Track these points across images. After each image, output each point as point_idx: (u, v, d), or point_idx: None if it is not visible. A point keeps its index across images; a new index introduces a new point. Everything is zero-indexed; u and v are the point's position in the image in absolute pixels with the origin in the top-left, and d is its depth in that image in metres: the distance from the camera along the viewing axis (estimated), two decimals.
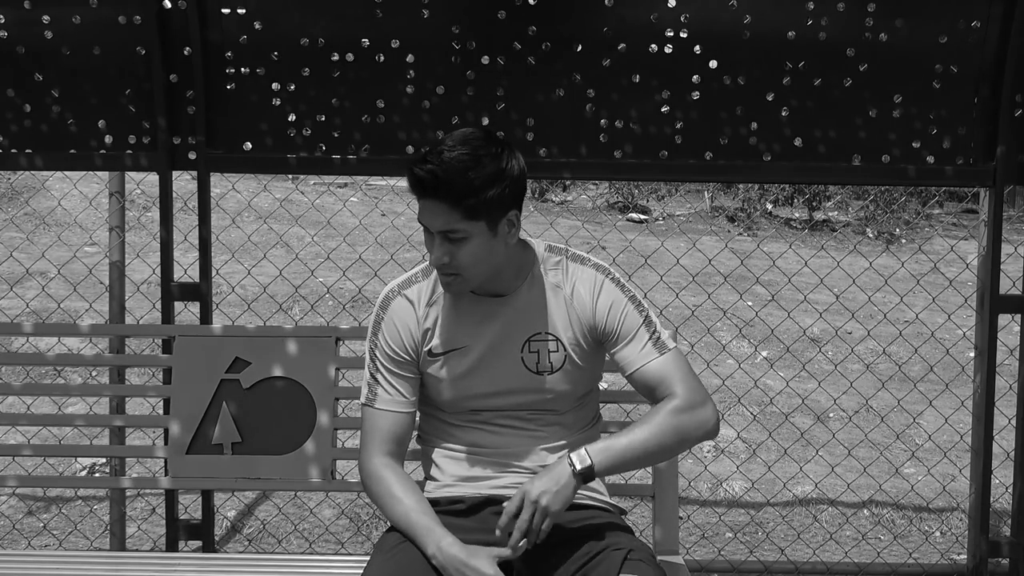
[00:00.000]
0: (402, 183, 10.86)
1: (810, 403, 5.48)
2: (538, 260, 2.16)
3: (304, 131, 3.23)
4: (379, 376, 2.18)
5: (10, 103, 3.22)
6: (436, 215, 1.99)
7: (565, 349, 2.14)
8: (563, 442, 2.20)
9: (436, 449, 2.23)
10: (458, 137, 2.01)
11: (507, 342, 2.14)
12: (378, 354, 2.18)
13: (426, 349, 2.16)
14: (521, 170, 2.05)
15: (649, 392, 2.13)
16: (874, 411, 5.68)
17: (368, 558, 2.14)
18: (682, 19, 3.16)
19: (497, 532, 2.02)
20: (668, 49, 3.18)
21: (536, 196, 11.26)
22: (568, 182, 11.60)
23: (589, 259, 2.19)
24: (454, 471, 2.20)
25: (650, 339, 2.13)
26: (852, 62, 3.19)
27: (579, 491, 2.19)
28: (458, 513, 2.16)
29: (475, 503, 2.16)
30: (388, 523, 2.19)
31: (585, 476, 2.02)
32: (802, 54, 3.19)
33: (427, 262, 2.18)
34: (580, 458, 2.02)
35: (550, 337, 2.14)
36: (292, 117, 3.23)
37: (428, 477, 2.26)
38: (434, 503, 2.19)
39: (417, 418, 2.28)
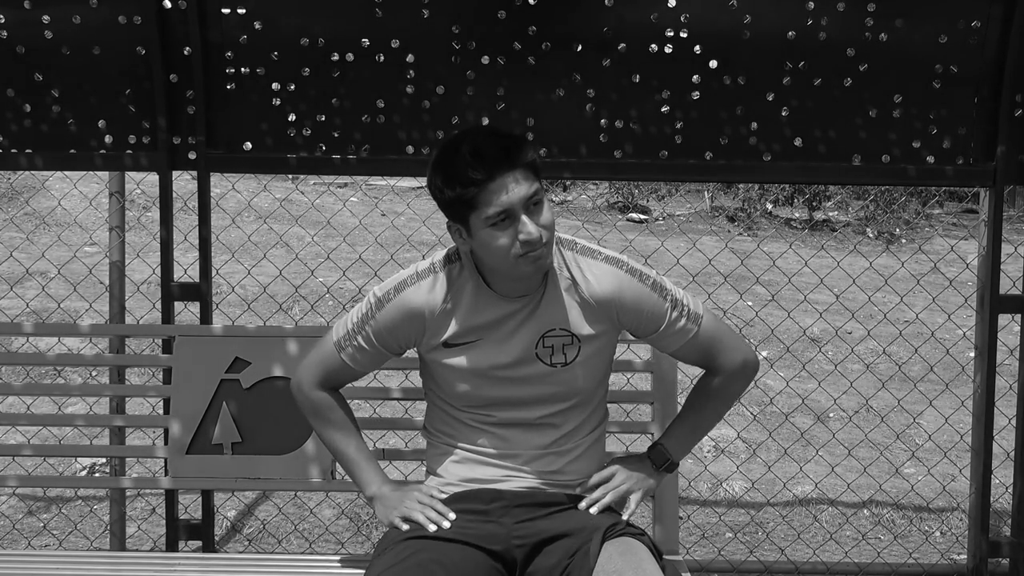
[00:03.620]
0: (402, 183, 10.89)
1: (810, 403, 5.48)
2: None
3: (304, 131, 3.23)
4: (360, 338, 2.19)
5: (10, 103, 3.22)
6: (520, 184, 1.99)
7: (579, 342, 2.14)
8: (570, 446, 2.20)
9: (442, 447, 2.23)
10: (473, 130, 2.09)
11: (522, 338, 2.13)
12: (370, 324, 2.17)
13: (442, 340, 2.14)
14: None
15: (695, 362, 2.25)
16: (874, 411, 5.68)
17: (369, 558, 2.14)
18: (682, 19, 3.16)
19: (577, 490, 2.19)
20: (668, 49, 3.18)
21: None
22: (568, 182, 11.59)
23: (599, 252, 2.17)
24: (458, 472, 2.20)
25: (681, 318, 2.17)
26: (852, 62, 3.19)
27: (579, 492, 2.21)
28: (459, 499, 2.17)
29: (477, 502, 2.16)
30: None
31: (669, 469, 2.27)
32: (802, 54, 3.19)
33: (434, 259, 2.17)
34: (660, 455, 2.26)
35: (564, 333, 2.14)
36: (292, 117, 3.23)
37: (432, 473, 2.25)
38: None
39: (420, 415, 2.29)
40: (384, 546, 2.12)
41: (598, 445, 2.27)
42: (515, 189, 1.98)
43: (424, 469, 2.33)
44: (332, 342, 2.23)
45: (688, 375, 5.54)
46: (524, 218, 1.99)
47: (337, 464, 2.82)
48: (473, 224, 2.02)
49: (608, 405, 2.34)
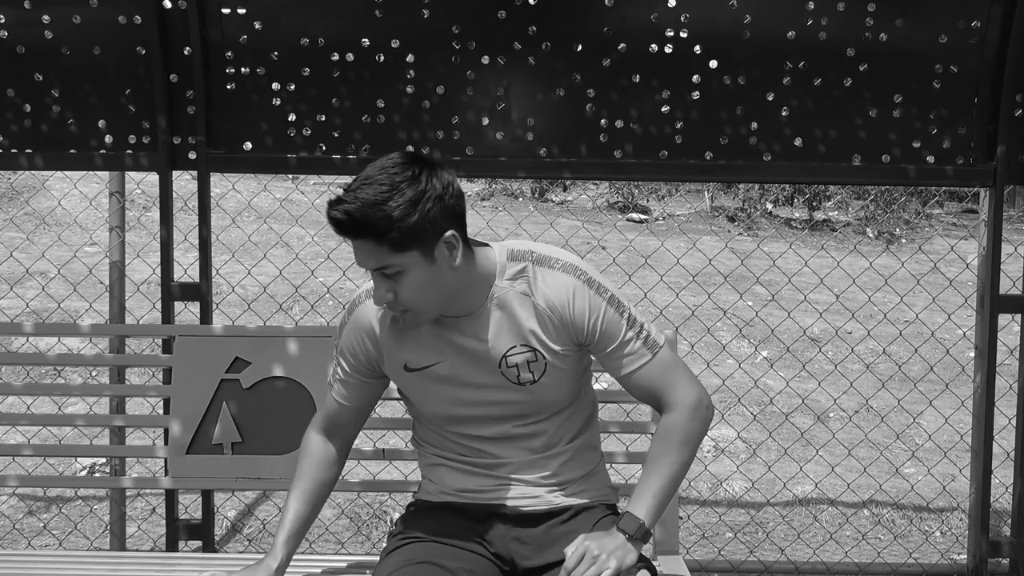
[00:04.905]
0: None
1: (810, 403, 5.48)
2: (499, 270, 2.03)
3: (304, 131, 3.23)
4: (338, 370, 2.18)
5: (10, 103, 3.23)
6: (365, 254, 1.91)
7: (544, 357, 2.04)
8: (560, 448, 2.14)
9: (432, 457, 2.19)
10: (375, 167, 1.92)
11: (484, 359, 2.04)
12: (340, 353, 2.16)
13: (400, 363, 2.09)
14: (447, 187, 1.92)
15: (644, 396, 2.11)
16: (874, 411, 5.68)
17: (369, 559, 2.14)
18: (682, 19, 3.16)
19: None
20: (668, 49, 3.18)
21: (536, 196, 11.27)
22: (568, 182, 11.59)
23: (557, 260, 2.04)
24: (451, 482, 2.16)
25: (637, 340, 2.04)
26: (852, 62, 3.19)
27: (580, 489, 2.16)
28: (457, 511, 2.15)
29: (476, 513, 2.13)
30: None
31: (644, 537, 2.01)
32: (802, 54, 3.19)
33: None
34: (631, 523, 2.00)
35: (525, 349, 2.04)
36: (292, 117, 3.23)
37: (426, 478, 2.23)
38: (430, 506, 2.17)
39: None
40: (390, 548, 2.11)
41: (590, 440, 2.21)
42: (360, 256, 1.92)
43: None
44: (328, 382, 2.23)
45: None
46: (375, 280, 1.94)
47: None
48: None
49: (608, 405, 2.33)
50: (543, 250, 2.06)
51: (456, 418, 2.11)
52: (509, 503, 2.12)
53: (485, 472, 2.13)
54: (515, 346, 2.04)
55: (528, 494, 2.13)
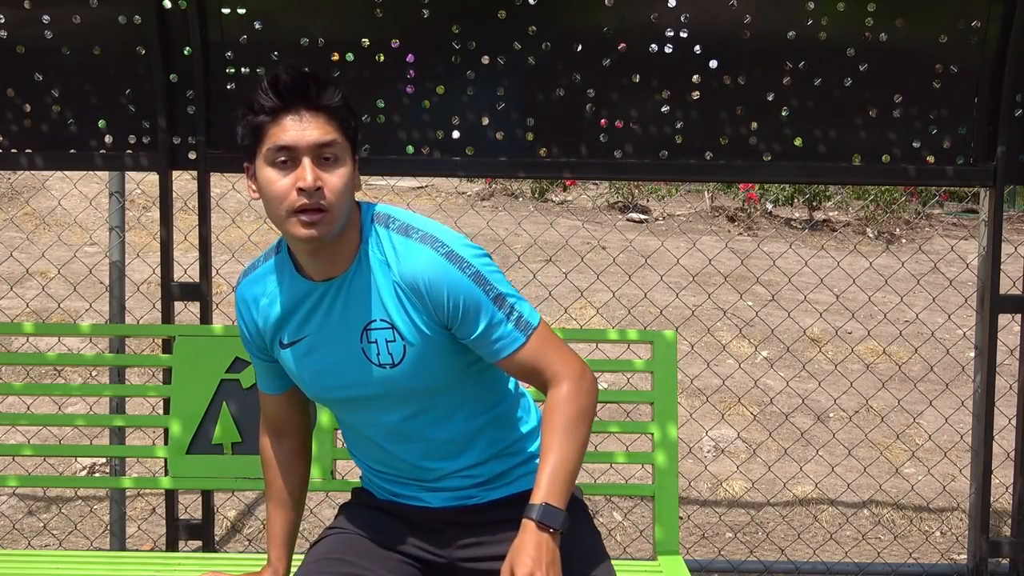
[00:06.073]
0: (402, 183, 10.88)
1: (810, 403, 5.48)
2: (364, 234, 1.89)
3: None
4: (254, 362, 2.10)
5: (10, 103, 3.23)
6: (311, 125, 1.79)
7: (403, 339, 1.87)
8: (469, 445, 1.97)
9: (359, 464, 2.13)
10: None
11: (345, 331, 1.90)
12: (245, 346, 2.08)
13: (278, 339, 1.97)
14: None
15: (524, 378, 1.93)
16: (874, 411, 5.68)
17: None
18: (682, 19, 3.16)
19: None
20: (668, 49, 3.18)
21: (536, 196, 11.26)
22: (568, 182, 11.58)
23: (418, 230, 1.88)
24: (381, 484, 2.07)
25: (507, 322, 1.86)
26: (852, 62, 3.19)
27: (507, 481, 2.03)
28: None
29: (406, 515, 2.05)
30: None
31: (563, 524, 1.81)
32: (802, 54, 3.19)
33: (273, 244, 2.01)
34: (544, 513, 1.80)
35: (384, 325, 1.87)
36: None
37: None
38: (371, 496, 2.11)
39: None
40: (317, 539, 2.08)
41: (498, 432, 2.01)
42: (306, 129, 1.78)
43: None
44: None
45: (687, 375, 5.54)
46: (306, 162, 1.78)
47: (337, 463, 2.83)
48: (258, 162, 1.83)
49: (608, 404, 2.30)
50: (405, 218, 1.91)
51: (329, 395, 1.97)
52: (433, 508, 2.01)
53: (398, 476, 2.03)
54: (375, 320, 1.88)
55: (454, 498, 2.01)
